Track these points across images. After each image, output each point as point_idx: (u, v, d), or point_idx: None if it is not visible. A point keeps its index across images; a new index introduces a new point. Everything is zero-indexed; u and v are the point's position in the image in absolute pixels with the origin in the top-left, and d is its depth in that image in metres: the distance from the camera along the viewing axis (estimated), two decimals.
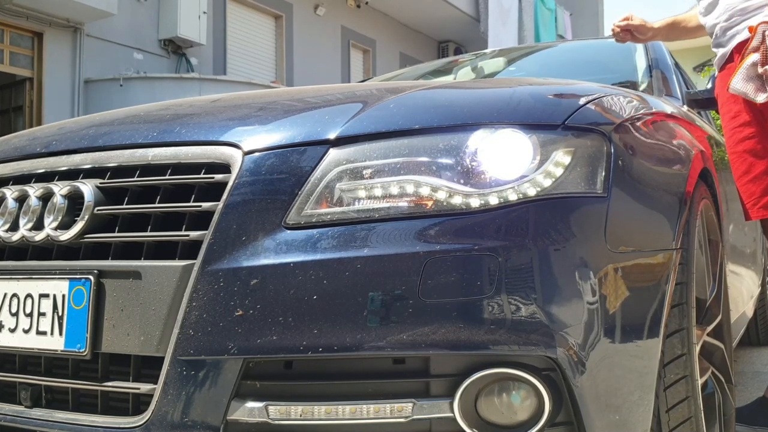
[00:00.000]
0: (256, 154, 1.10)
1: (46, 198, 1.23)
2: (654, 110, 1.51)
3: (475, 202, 1.04)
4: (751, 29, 1.93)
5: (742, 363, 3.29)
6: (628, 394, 1.09)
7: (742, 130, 2.03)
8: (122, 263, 1.11)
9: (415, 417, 1.00)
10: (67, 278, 1.13)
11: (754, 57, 1.88)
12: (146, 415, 1.05)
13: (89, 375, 1.14)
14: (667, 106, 1.73)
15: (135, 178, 1.18)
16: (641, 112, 1.39)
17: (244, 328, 1.01)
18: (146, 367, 1.08)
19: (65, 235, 1.17)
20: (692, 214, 1.37)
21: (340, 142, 1.10)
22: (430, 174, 1.07)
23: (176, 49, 9.10)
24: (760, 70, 1.85)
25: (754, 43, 1.88)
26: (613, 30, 2.48)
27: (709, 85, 2.27)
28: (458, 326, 0.99)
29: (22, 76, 7.88)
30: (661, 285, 1.18)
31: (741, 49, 1.98)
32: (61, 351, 1.12)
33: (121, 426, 1.07)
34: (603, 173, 1.12)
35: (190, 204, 1.11)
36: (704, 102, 2.26)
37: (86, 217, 1.16)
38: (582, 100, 1.21)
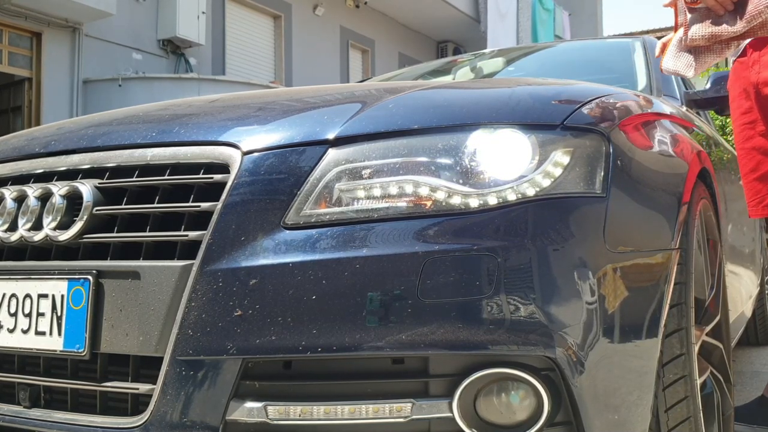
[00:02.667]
0: (255, 154, 1.10)
1: (44, 198, 1.23)
2: (653, 110, 1.51)
3: (474, 202, 1.04)
4: (671, 4, 1.88)
5: (740, 363, 3.29)
6: (626, 394, 1.09)
7: (752, 126, 2.02)
8: (121, 263, 1.11)
9: (414, 417, 1.00)
10: (66, 278, 1.13)
11: (680, 33, 1.84)
12: (145, 416, 1.05)
13: (88, 375, 1.14)
14: (666, 106, 1.73)
15: (134, 179, 1.18)
16: (640, 112, 1.39)
17: (243, 329, 1.01)
18: (145, 368, 1.08)
19: (64, 236, 1.17)
20: (691, 214, 1.37)
21: (339, 142, 1.10)
22: (429, 174, 1.07)
23: (175, 49, 9.10)
24: (684, 41, 1.81)
25: (680, 19, 1.84)
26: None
27: (708, 86, 2.27)
28: (457, 326, 0.99)
29: (21, 76, 7.87)
30: (659, 285, 1.18)
31: (755, 45, 1.96)
32: (60, 351, 1.12)
33: (119, 426, 1.07)
34: (602, 173, 1.12)
35: (189, 204, 1.11)
36: (703, 102, 2.26)
37: (85, 217, 1.16)
38: (581, 100, 1.21)
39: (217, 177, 1.11)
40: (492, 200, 1.05)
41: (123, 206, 1.16)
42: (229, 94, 1.56)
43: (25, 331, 1.16)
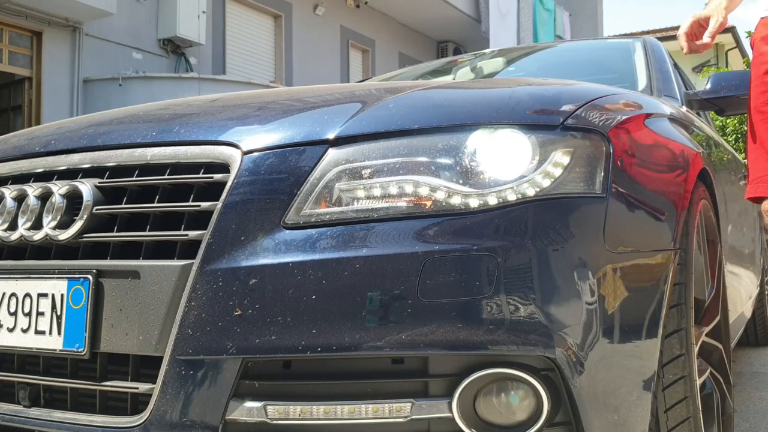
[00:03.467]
0: (255, 153, 1.10)
1: (44, 197, 1.23)
2: (653, 111, 1.51)
3: (474, 202, 1.04)
4: None
5: (740, 363, 3.29)
6: (626, 394, 1.09)
7: None
8: (121, 263, 1.11)
9: (413, 417, 1.00)
10: (66, 278, 1.13)
11: None
12: (145, 415, 1.05)
13: (88, 374, 1.14)
14: (666, 107, 1.73)
15: (134, 178, 1.18)
16: (640, 112, 1.39)
17: (243, 328, 1.01)
18: (145, 367, 1.08)
19: (64, 235, 1.17)
20: (691, 214, 1.37)
21: (339, 142, 1.10)
22: (429, 174, 1.07)
23: (175, 48, 9.09)
24: None
25: None
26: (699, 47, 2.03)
27: (708, 86, 2.26)
28: (457, 326, 0.99)
29: (21, 76, 7.87)
30: (659, 285, 1.18)
31: None
32: (60, 350, 1.12)
33: (119, 426, 1.07)
34: (602, 174, 1.12)
35: (189, 204, 1.10)
36: (703, 102, 2.26)
37: (85, 216, 1.16)
38: (581, 101, 1.21)
39: (217, 176, 1.11)
40: (492, 200, 1.05)
41: (123, 206, 1.16)
42: (229, 93, 1.56)
43: (24, 331, 1.16)
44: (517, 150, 1.09)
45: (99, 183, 1.19)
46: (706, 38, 1.97)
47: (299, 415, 1.01)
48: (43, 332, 1.14)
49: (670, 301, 1.20)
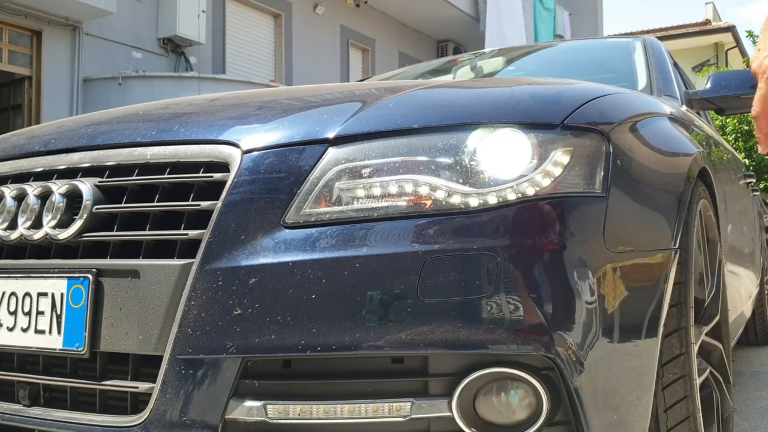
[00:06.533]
0: (255, 153, 1.10)
1: (44, 197, 1.23)
2: (653, 110, 1.51)
3: (473, 202, 1.04)
4: None
5: (740, 363, 3.29)
6: (626, 394, 1.09)
7: None
8: (121, 262, 1.11)
9: (413, 416, 1.00)
10: (66, 277, 1.13)
11: None
12: (144, 414, 1.05)
13: (87, 374, 1.14)
14: (666, 106, 1.73)
15: (134, 177, 1.18)
16: (640, 112, 1.39)
17: (243, 327, 1.01)
18: (145, 366, 1.08)
19: (63, 234, 1.17)
20: (691, 214, 1.37)
21: (339, 141, 1.10)
22: (429, 173, 1.07)
23: (175, 47, 9.09)
24: None
25: None
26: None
27: (708, 86, 2.26)
28: (457, 325, 0.99)
29: (21, 75, 7.87)
30: (659, 285, 1.18)
31: None
32: (60, 350, 1.12)
33: (119, 425, 1.07)
34: (602, 173, 1.12)
35: (189, 203, 1.10)
36: (703, 102, 2.26)
37: (85, 215, 1.16)
38: (581, 100, 1.21)
39: (217, 176, 1.11)
40: (492, 200, 1.05)
41: (123, 205, 1.16)
42: (229, 92, 1.56)
43: (24, 330, 1.16)
44: (517, 149, 1.09)
45: (99, 182, 1.19)
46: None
47: (299, 415, 1.01)
48: (42, 331, 1.14)
49: (670, 300, 1.20)
